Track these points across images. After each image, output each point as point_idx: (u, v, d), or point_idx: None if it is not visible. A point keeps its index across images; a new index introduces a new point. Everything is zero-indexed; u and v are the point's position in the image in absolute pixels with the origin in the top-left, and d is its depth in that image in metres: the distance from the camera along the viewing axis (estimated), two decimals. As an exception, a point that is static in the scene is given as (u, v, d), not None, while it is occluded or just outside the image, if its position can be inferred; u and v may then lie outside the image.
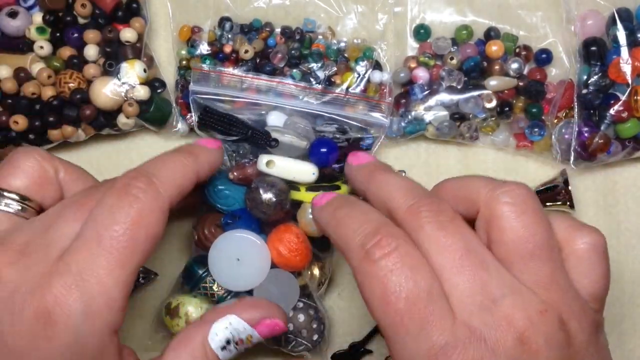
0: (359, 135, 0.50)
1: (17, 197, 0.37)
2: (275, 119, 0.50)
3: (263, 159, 0.47)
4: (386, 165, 0.42)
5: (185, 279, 0.49)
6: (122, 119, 0.51)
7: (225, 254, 0.46)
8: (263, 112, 0.50)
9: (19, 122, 0.49)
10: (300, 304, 0.49)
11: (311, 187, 0.48)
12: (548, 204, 0.53)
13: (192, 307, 0.47)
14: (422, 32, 0.54)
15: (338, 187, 0.48)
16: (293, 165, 0.47)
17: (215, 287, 0.48)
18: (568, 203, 0.53)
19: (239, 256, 0.46)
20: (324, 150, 0.48)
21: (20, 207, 0.37)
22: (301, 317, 0.48)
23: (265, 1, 0.55)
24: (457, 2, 0.55)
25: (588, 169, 0.55)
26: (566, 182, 0.53)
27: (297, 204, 0.48)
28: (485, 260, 0.33)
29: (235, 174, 0.48)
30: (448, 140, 0.54)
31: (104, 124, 0.51)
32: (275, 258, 0.47)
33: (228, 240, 0.46)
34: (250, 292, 0.47)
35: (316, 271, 0.50)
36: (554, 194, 0.53)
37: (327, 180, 0.48)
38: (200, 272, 0.48)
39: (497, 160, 0.55)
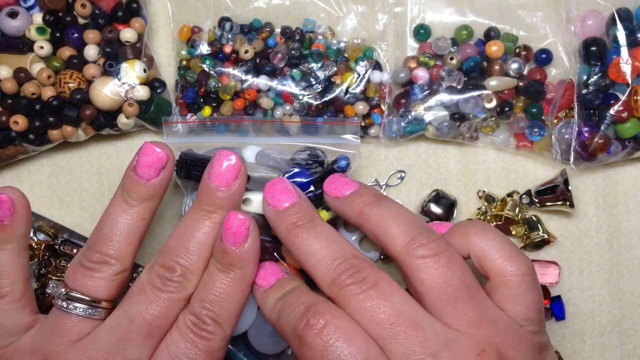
0: (334, 159, 0.50)
1: (88, 300, 0.39)
2: (250, 154, 0.50)
3: None
4: (309, 223, 0.40)
5: None
6: (122, 119, 0.51)
7: None
8: (237, 149, 0.50)
9: (19, 122, 0.49)
10: None
11: None
12: (548, 204, 0.53)
13: None
14: (422, 32, 0.54)
15: None
16: None
17: None
18: (568, 203, 0.53)
19: None
20: (297, 179, 0.48)
21: (93, 311, 0.39)
22: None
23: (265, 1, 0.55)
24: (457, 2, 0.55)
25: (588, 169, 0.55)
26: (566, 182, 0.53)
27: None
28: (416, 318, 0.34)
29: None
30: (448, 140, 0.54)
31: (104, 124, 0.51)
32: None
33: None
34: (243, 335, 0.47)
35: None
36: (554, 194, 0.53)
37: None
38: None
39: (497, 160, 0.55)
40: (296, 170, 0.48)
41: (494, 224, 0.54)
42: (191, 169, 0.48)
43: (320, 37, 0.54)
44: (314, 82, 0.52)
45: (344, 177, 0.43)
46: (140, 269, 0.53)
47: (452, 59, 0.53)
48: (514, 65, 0.52)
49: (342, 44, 0.53)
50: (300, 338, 0.33)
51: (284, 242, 0.39)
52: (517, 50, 0.53)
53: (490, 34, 0.54)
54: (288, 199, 0.40)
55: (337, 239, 0.38)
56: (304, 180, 0.48)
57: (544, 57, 0.53)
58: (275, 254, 0.48)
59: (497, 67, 0.52)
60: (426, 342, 0.33)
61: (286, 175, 0.48)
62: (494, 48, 0.53)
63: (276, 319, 0.37)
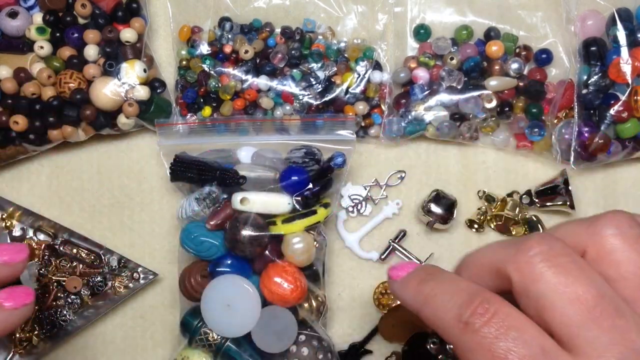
0: (329, 155, 0.50)
1: None
2: (245, 155, 0.50)
3: (237, 197, 0.47)
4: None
5: (183, 331, 0.49)
6: (122, 119, 0.51)
7: (215, 302, 0.46)
8: (232, 150, 0.51)
9: (19, 122, 0.49)
10: (302, 337, 0.48)
11: (287, 218, 0.48)
12: (548, 204, 0.53)
13: (196, 359, 0.48)
14: (422, 32, 0.54)
15: (315, 212, 0.48)
16: (266, 198, 0.47)
17: (211, 337, 0.48)
18: (568, 203, 0.53)
19: (228, 302, 0.46)
20: (293, 178, 0.48)
21: None
22: (305, 350, 0.48)
23: (265, 1, 0.55)
24: (457, 2, 0.55)
25: (588, 169, 0.55)
26: (566, 182, 0.53)
27: (281, 238, 0.48)
28: (619, 306, 0.30)
29: (211, 223, 0.47)
30: (448, 140, 0.54)
31: (104, 124, 0.51)
32: (269, 297, 0.47)
33: (216, 287, 0.47)
34: (247, 335, 0.47)
35: (312, 301, 0.50)
36: (554, 194, 0.53)
37: (303, 207, 0.48)
38: (195, 322, 0.48)
39: (497, 160, 0.55)
40: (292, 168, 0.48)
41: (494, 224, 0.54)
42: (186, 171, 0.48)
43: (320, 37, 0.54)
44: (314, 82, 0.52)
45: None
46: (126, 261, 0.53)
47: (452, 59, 0.53)
48: (514, 65, 0.52)
49: (342, 44, 0.53)
50: (467, 324, 0.30)
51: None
52: (517, 50, 0.53)
53: (490, 34, 0.54)
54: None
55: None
56: (301, 178, 0.48)
57: (544, 57, 0.53)
58: (274, 253, 0.48)
59: (497, 67, 0.52)
60: (630, 333, 0.29)
61: (283, 174, 0.48)
62: (494, 48, 0.53)
63: (423, 304, 0.34)
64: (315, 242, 0.49)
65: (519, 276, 0.31)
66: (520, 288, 0.31)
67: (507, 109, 0.53)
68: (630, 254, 0.31)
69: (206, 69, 0.52)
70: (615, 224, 0.31)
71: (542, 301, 0.30)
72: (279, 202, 0.47)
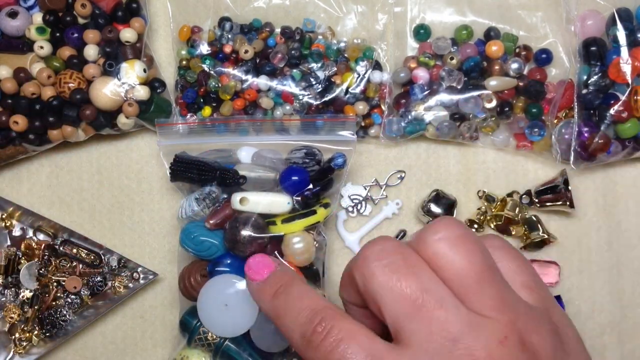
0: (330, 156, 0.50)
1: None
2: (246, 155, 0.50)
3: (236, 197, 0.47)
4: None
5: (182, 331, 0.49)
6: (122, 119, 0.51)
7: (213, 301, 0.47)
8: (232, 150, 0.50)
9: (19, 122, 0.49)
10: None
11: (286, 218, 0.48)
12: (548, 204, 0.53)
13: (195, 359, 0.48)
14: (422, 32, 0.54)
15: (314, 212, 0.48)
16: (266, 198, 0.47)
17: (210, 336, 0.48)
18: (568, 203, 0.53)
19: (226, 302, 0.46)
20: (293, 178, 0.48)
21: None
22: None
23: (265, 1, 0.55)
24: (457, 2, 0.55)
25: (588, 169, 0.55)
26: (566, 182, 0.53)
27: (281, 238, 0.48)
28: (442, 298, 0.33)
29: (211, 222, 0.48)
30: (448, 140, 0.54)
31: (103, 124, 0.51)
32: None
33: (213, 287, 0.47)
34: (246, 335, 0.47)
35: None
36: (554, 194, 0.53)
37: (303, 207, 0.48)
38: (194, 322, 0.48)
39: (497, 160, 0.55)
40: (292, 168, 0.48)
41: (494, 224, 0.54)
42: (186, 171, 0.48)
43: (320, 37, 0.54)
44: (314, 82, 0.52)
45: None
46: (126, 261, 0.53)
47: (452, 59, 0.53)
48: (514, 65, 0.52)
49: (342, 44, 0.53)
50: (309, 342, 0.34)
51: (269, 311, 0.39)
52: (517, 50, 0.53)
53: (490, 34, 0.54)
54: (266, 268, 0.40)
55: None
56: (301, 178, 0.48)
57: (544, 57, 0.53)
58: (275, 252, 0.48)
59: (497, 67, 0.52)
60: (447, 323, 0.32)
61: (283, 174, 0.48)
62: (494, 48, 0.53)
63: (276, 317, 0.37)
64: (315, 242, 0.49)
65: (359, 277, 0.34)
66: (362, 288, 0.34)
67: (507, 109, 0.52)
68: (453, 257, 0.33)
69: (206, 69, 0.52)
70: (441, 229, 0.34)
71: (376, 297, 0.33)
72: (279, 202, 0.47)
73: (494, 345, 0.32)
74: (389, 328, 0.33)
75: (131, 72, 0.50)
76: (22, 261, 0.52)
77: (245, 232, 0.46)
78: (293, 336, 0.35)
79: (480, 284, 0.33)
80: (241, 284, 0.46)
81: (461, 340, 0.31)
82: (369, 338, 0.33)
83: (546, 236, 0.53)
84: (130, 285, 0.53)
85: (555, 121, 0.53)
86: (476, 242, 0.34)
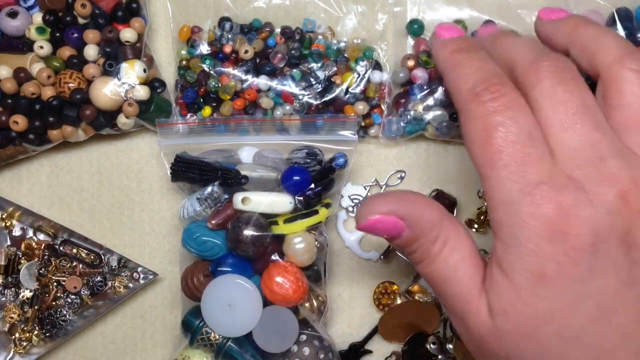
0: (331, 156, 0.50)
1: None
2: (247, 155, 0.50)
3: (238, 196, 0.47)
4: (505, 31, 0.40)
5: (184, 331, 0.49)
6: (122, 119, 0.51)
7: (216, 301, 0.47)
8: (233, 150, 0.51)
9: (19, 122, 0.49)
10: (304, 337, 0.48)
11: (288, 218, 0.48)
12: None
13: (197, 359, 0.48)
14: (416, 27, 0.54)
15: (316, 212, 0.48)
16: (268, 198, 0.47)
17: (212, 336, 0.48)
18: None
19: (229, 302, 0.46)
20: (295, 178, 0.48)
21: None
22: (306, 350, 0.48)
23: (265, 1, 0.55)
24: (456, 2, 0.55)
25: (588, 169, 0.55)
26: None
27: (282, 238, 0.48)
28: (600, 122, 0.32)
29: (213, 222, 0.48)
30: (448, 140, 0.54)
31: (104, 124, 0.51)
32: (271, 297, 0.47)
33: (216, 287, 0.47)
34: (248, 335, 0.47)
35: (313, 301, 0.50)
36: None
37: (305, 207, 0.48)
38: (197, 322, 0.48)
39: (497, 160, 0.55)
40: (294, 168, 0.48)
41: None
42: (187, 171, 0.48)
43: (320, 37, 0.54)
44: (314, 82, 0.52)
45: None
46: (126, 261, 0.53)
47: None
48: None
49: (342, 44, 0.53)
50: (477, 95, 0.33)
51: (490, 45, 0.38)
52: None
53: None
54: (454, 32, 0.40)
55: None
56: (302, 178, 0.48)
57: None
58: (275, 252, 0.48)
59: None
60: (600, 144, 0.31)
61: (285, 174, 0.48)
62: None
63: (451, 68, 0.36)
64: (316, 242, 0.49)
65: (524, 79, 0.34)
66: (523, 90, 0.33)
67: (507, 108, 0.52)
68: (636, 89, 0.33)
69: (206, 69, 0.52)
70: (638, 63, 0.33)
71: (535, 104, 0.33)
72: (281, 202, 0.47)
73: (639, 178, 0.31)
74: (544, 135, 0.33)
75: (131, 72, 0.50)
76: (22, 261, 0.52)
77: (248, 232, 0.46)
78: (462, 86, 0.34)
79: None
80: (245, 284, 0.46)
81: (610, 160, 0.31)
82: (535, 123, 0.32)
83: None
84: (130, 285, 0.53)
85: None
86: None
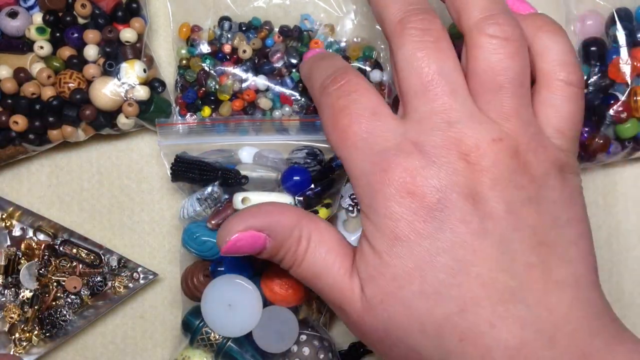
0: (331, 156, 0.50)
1: None
2: (247, 155, 0.50)
3: (238, 197, 0.47)
4: None
5: (185, 331, 0.49)
6: (121, 119, 0.51)
7: (216, 301, 0.46)
8: (233, 150, 0.51)
9: (19, 122, 0.49)
10: (304, 337, 0.48)
11: None
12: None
13: (197, 359, 0.48)
14: None
15: (316, 213, 0.48)
16: (268, 198, 0.47)
17: (212, 336, 0.48)
18: (568, 203, 0.53)
19: (230, 302, 0.46)
20: (295, 178, 0.48)
21: None
22: (306, 350, 0.48)
23: (265, 1, 0.55)
24: (457, 2, 0.55)
25: (588, 169, 0.55)
26: (566, 182, 0.53)
27: None
28: (455, 88, 0.33)
29: (213, 222, 0.47)
30: (448, 140, 0.54)
31: (103, 124, 0.51)
32: (271, 297, 0.47)
33: (216, 287, 0.47)
34: (248, 335, 0.47)
35: (313, 301, 0.49)
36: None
37: (305, 207, 0.48)
38: (197, 322, 0.48)
39: (497, 160, 0.55)
40: (294, 168, 0.48)
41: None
42: (187, 171, 0.48)
43: (319, 33, 0.53)
44: (313, 82, 0.52)
45: None
46: (126, 261, 0.53)
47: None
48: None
49: (343, 44, 0.53)
50: (324, 88, 0.36)
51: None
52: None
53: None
54: None
55: None
56: (302, 178, 0.48)
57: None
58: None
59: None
60: (451, 111, 0.33)
61: (285, 174, 0.48)
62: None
63: (308, 75, 0.40)
64: (316, 242, 0.49)
65: (391, 38, 0.35)
66: (391, 51, 0.35)
67: (507, 109, 0.52)
68: (492, 56, 0.34)
69: (206, 68, 0.52)
70: (499, 28, 0.34)
71: (397, 67, 0.34)
72: (280, 202, 0.47)
73: (486, 140, 0.32)
74: (400, 100, 0.35)
75: (131, 72, 0.50)
76: (22, 261, 0.52)
77: None
78: (314, 86, 0.37)
79: (502, 91, 0.34)
80: (245, 284, 0.46)
81: (457, 125, 0.32)
82: (379, 100, 0.34)
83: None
84: (130, 285, 0.53)
85: (555, 121, 0.53)
86: (525, 51, 0.34)
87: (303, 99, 0.52)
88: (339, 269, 0.35)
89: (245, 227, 0.36)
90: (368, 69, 0.52)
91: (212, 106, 0.52)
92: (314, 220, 0.37)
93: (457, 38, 0.53)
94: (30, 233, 0.53)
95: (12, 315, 0.51)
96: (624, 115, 0.50)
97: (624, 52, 0.50)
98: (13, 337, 0.52)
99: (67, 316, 0.52)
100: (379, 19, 0.37)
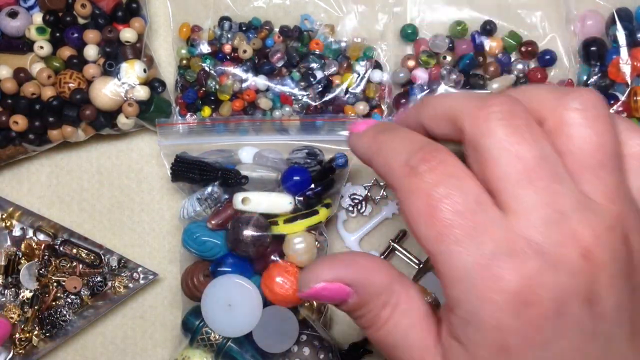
0: (331, 156, 0.50)
1: None
2: (247, 155, 0.50)
3: (238, 197, 0.47)
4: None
5: (185, 331, 0.49)
6: (122, 119, 0.51)
7: (216, 301, 0.47)
8: (233, 150, 0.51)
9: (19, 122, 0.49)
10: (304, 337, 0.48)
11: (288, 218, 0.48)
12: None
13: (197, 359, 0.48)
14: (409, 32, 0.54)
15: (316, 213, 0.48)
16: (268, 198, 0.47)
17: (212, 336, 0.48)
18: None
19: (229, 302, 0.46)
20: (295, 178, 0.48)
21: None
22: (306, 350, 0.48)
23: (265, 1, 0.55)
24: (456, 2, 0.55)
25: (588, 169, 0.55)
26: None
27: (282, 238, 0.48)
28: (558, 172, 0.30)
29: (213, 222, 0.48)
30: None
31: (104, 124, 0.51)
32: (271, 297, 0.47)
33: (216, 287, 0.47)
34: (248, 335, 0.47)
35: (314, 301, 0.49)
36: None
37: (305, 207, 0.48)
38: (197, 322, 0.48)
39: (497, 160, 0.55)
40: (294, 168, 0.48)
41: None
42: (187, 171, 0.48)
43: (319, 33, 0.53)
44: (313, 82, 0.52)
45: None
46: (126, 261, 0.53)
47: (444, 57, 0.53)
48: (519, 67, 0.53)
49: (343, 44, 0.53)
50: (412, 168, 0.31)
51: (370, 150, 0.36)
52: (523, 49, 0.53)
53: (487, 27, 0.54)
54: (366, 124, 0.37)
55: None
56: (302, 178, 0.48)
57: (547, 59, 0.53)
58: (275, 253, 0.48)
59: (492, 69, 0.53)
60: (560, 198, 0.29)
61: (285, 174, 0.48)
62: (493, 44, 0.53)
63: (376, 152, 0.34)
64: (316, 242, 0.49)
65: (472, 128, 0.31)
66: (471, 140, 0.31)
67: (507, 109, 0.52)
68: (584, 131, 0.31)
69: (206, 68, 0.52)
70: (583, 100, 0.31)
71: (487, 155, 0.30)
72: (281, 202, 0.47)
73: (602, 229, 0.29)
74: (493, 190, 0.31)
75: (131, 72, 0.50)
76: (22, 261, 0.52)
77: (248, 232, 0.46)
78: (393, 164, 0.32)
79: (601, 168, 0.31)
80: (245, 284, 0.46)
81: (571, 216, 0.29)
82: (479, 187, 0.30)
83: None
84: (130, 285, 0.53)
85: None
86: (613, 124, 0.32)
87: (303, 99, 0.52)
88: (419, 346, 0.32)
89: (334, 278, 0.33)
90: (368, 69, 0.52)
91: (212, 106, 0.52)
92: (406, 287, 0.34)
93: (458, 38, 0.54)
94: (30, 233, 0.53)
95: (12, 316, 0.51)
96: (624, 115, 0.50)
97: (624, 52, 0.50)
98: (13, 337, 0.52)
99: (67, 316, 0.52)
100: (451, 119, 0.33)
